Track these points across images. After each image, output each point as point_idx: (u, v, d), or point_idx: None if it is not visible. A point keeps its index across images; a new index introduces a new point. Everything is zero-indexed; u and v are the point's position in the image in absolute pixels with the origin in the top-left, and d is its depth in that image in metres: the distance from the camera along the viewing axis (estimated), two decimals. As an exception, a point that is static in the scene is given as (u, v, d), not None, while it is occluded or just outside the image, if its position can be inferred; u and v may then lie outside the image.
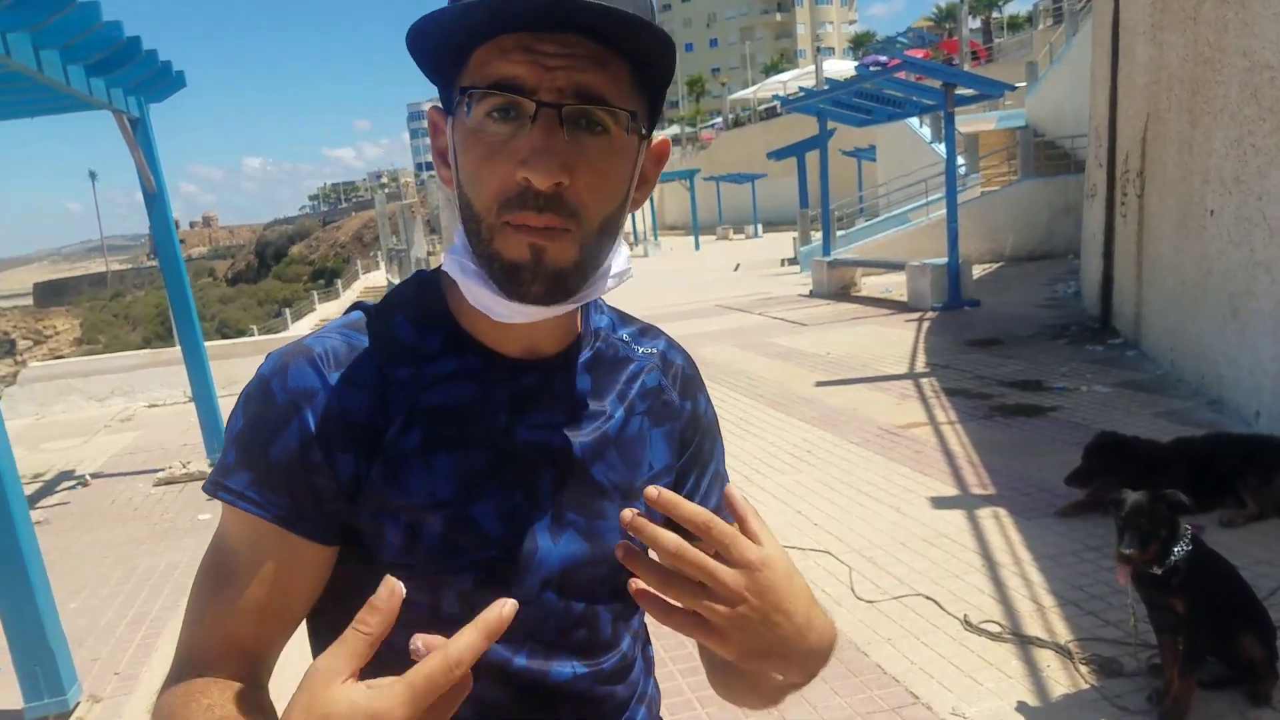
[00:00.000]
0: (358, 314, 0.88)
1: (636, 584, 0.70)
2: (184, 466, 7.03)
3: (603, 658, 0.90)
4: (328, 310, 33.39)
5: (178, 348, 9.62)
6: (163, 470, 7.03)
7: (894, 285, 13.55)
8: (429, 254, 18.59)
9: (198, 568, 0.86)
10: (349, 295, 37.13)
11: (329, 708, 0.60)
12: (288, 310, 32.31)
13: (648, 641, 1.02)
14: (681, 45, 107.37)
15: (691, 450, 0.98)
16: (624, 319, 0.99)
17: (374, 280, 37.93)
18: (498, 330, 0.84)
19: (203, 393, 7.32)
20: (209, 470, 6.81)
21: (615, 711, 0.92)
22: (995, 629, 3.46)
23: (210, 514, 5.90)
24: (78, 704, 3.57)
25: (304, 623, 0.89)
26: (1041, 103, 20.97)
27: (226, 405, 7.53)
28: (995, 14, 52.97)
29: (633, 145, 0.79)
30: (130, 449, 8.25)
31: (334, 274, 56.00)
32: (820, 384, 7.97)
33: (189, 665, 0.81)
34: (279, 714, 0.67)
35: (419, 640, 0.62)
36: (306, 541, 0.81)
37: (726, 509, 0.74)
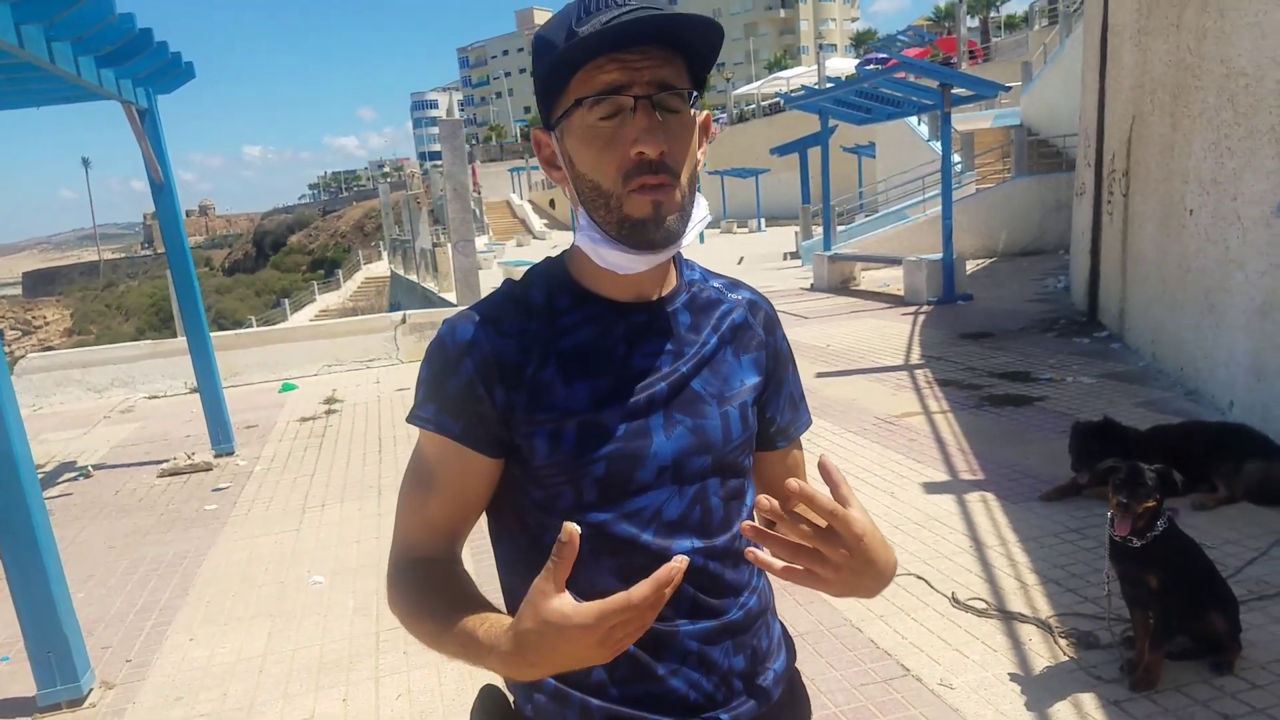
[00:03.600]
0: (505, 286, 1.16)
1: (753, 552, 0.95)
2: (189, 458, 7.01)
3: (716, 537, 1.12)
4: (328, 300, 33.09)
5: (179, 339, 9.67)
6: (167, 461, 7.03)
7: (891, 280, 13.71)
8: (435, 245, 18.62)
9: (403, 477, 1.16)
10: (350, 286, 36.86)
11: (545, 610, 0.89)
12: (286, 300, 32.09)
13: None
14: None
15: (772, 374, 1.23)
16: (714, 274, 1.25)
17: (376, 270, 37.49)
18: (613, 283, 1.10)
19: (208, 384, 7.30)
20: (214, 461, 6.98)
21: (728, 590, 1.13)
22: (981, 606, 3.62)
23: (216, 504, 6.02)
24: (90, 690, 3.59)
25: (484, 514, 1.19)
26: (1036, 102, 21.12)
27: (230, 396, 7.65)
28: (993, 14, 53.02)
29: (694, 118, 1.06)
30: (132, 440, 8.23)
31: (334, 264, 55.86)
32: (820, 375, 8.12)
33: (404, 548, 1.14)
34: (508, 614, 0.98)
35: (567, 526, 0.88)
36: (476, 453, 1.09)
37: (820, 474, 0.95)
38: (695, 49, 1.03)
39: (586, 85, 1.00)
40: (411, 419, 1.11)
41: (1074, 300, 10.49)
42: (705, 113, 1.09)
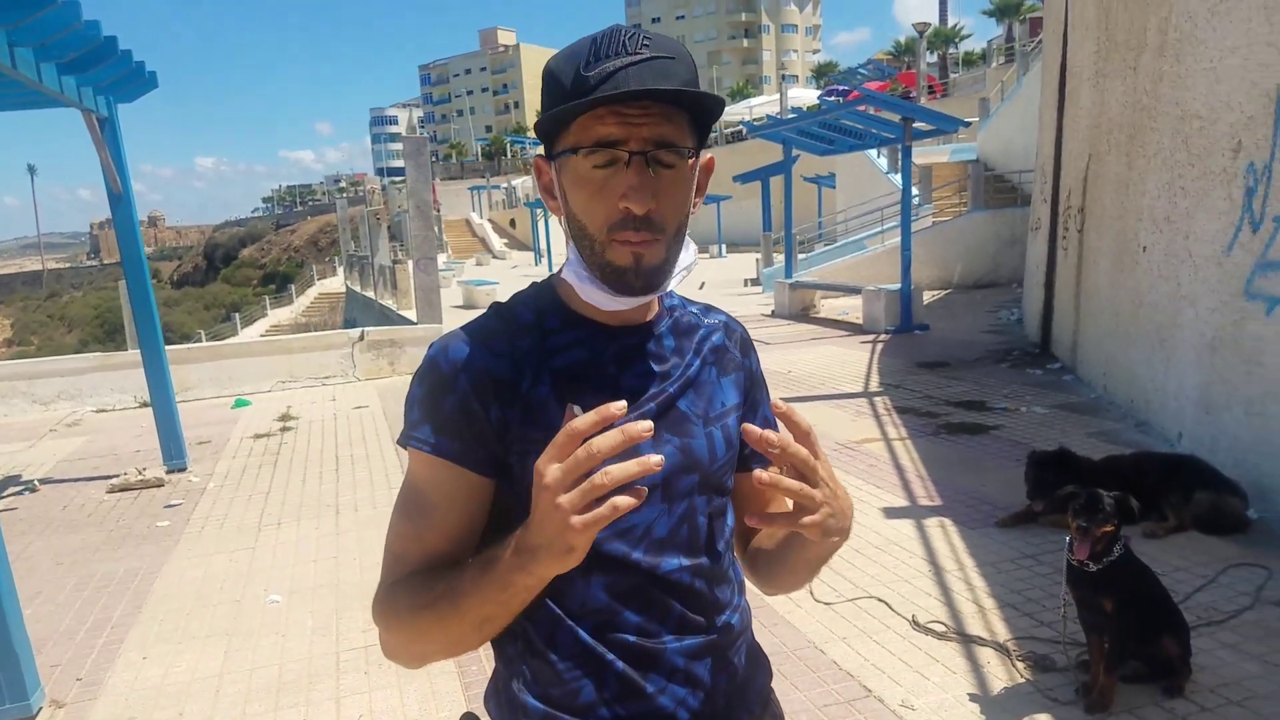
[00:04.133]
0: (492, 309, 1.17)
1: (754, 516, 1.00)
2: (140, 473, 6.83)
3: (702, 555, 1.15)
4: (280, 315, 32.45)
5: (130, 352, 9.43)
6: (117, 476, 6.86)
7: (850, 308, 13.91)
8: (394, 262, 18.33)
9: (394, 506, 1.13)
10: (303, 301, 36.20)
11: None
12: (237, 315, 31.45)
13: (736, 564, 1.26)
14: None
15: (750, 396, 1.27)
16: (690, 300, 1.29)
17: (331, 286, 36.68)
18: (601, 310, 1.12)
19: (161, 397, 7.15)
20: (166, 477, 6.84)
21: (712, 609, 1.15)
22: (941, 629, 3.68)
23: (168, 521, 5.90)
24: (40, 709, 3.48)
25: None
26: (992, 138, 21.61)
27: (182, 411, 7.49)
28: (951, 50, 54.22)
29: (691, 168, 1.07)
30: (79, 454, 8.01)
31: (286, 279, 55.07)
32: (783, 400, 8.15)
33: (396, 569, 1.10)
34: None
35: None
36: (473, 474, 1.07)
37: (786, 425, 1.01)
38: (697, 108, 1.05)
39: (585, 133, 1.02)
40: (405, 441, 1.09)
41: (1027, 332, 10.73)
42: (708, 156, 1.11)
